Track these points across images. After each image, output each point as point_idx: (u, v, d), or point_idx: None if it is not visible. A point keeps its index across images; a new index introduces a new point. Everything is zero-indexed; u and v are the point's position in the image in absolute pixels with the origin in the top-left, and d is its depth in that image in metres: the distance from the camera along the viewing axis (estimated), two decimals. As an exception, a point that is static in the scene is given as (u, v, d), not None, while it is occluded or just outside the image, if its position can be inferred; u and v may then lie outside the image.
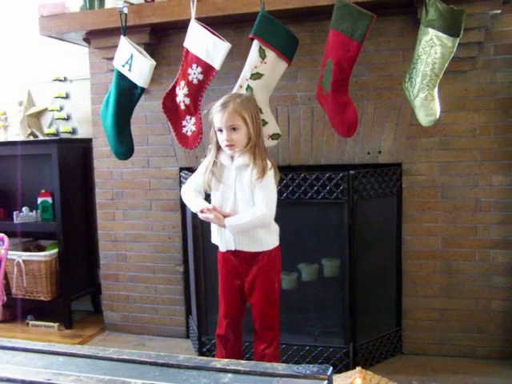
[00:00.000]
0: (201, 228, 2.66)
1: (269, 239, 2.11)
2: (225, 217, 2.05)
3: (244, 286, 2.15)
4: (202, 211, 2.08)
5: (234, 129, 2.03)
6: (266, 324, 2.14)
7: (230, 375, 0.92)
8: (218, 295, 2.23)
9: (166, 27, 2.80)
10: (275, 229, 2.15)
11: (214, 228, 2.17)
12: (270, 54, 2.27)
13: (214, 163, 2.12)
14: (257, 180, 2.02)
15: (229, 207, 2.08)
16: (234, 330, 2.20)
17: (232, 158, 2.10)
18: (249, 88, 2.28)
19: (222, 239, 2.13)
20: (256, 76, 2.28)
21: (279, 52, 2.27)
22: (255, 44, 2.29)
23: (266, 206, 2.03)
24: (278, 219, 2.15)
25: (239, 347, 2.26)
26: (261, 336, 2.15)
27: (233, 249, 2.11)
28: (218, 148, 2.13)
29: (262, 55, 2.27)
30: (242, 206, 2.06)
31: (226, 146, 2.05)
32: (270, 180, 2.06)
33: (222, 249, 2.17)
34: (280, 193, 2.48)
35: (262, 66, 2.27)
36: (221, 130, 2.05)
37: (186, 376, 0.93)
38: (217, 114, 2.05)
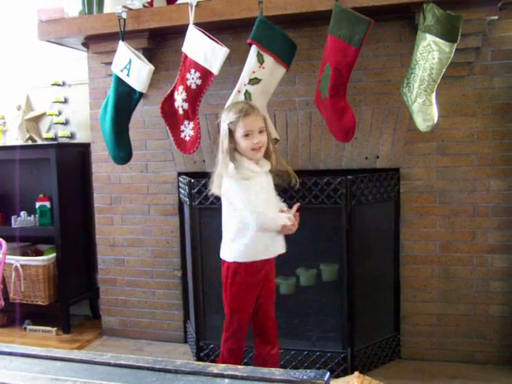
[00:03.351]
0: (199, 233, 2.66)
1: None
2: None
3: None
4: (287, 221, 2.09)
5: (261, 131, 2.09)
6: (272, 324, 2.20)
7: (227, 380, 0.91)
8: (228, 308, 2.15)
9: (164, 32, 2.81)
10: None
11: (264, 238, 2.10)
12: (268, 59, 2.28)
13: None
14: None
15: (272, 211, 2.13)
16: (245, 339, 2.21)
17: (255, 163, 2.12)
18: (247, 93, 2.28)
19: (276, 245, 2.13)
20: (254, 81, 2.29)
21: (277, 57, 2.28)
22: (253, 49, 2.30)
23: None
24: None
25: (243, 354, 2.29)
26: (268, 338, 2.19)
27: (283, 251, 2.16)
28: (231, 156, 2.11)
29: (260, 60, 2.27)
30: (274, 210, 2.15)
31: (254, 149, 2.07)
32: None
33: (270, 255, 2.14)
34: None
35: (260, 71, 2.28)
36: (247, 135, 2.05)
37: (183, 381, 0.93)
38: (244, 119, 2.05)
